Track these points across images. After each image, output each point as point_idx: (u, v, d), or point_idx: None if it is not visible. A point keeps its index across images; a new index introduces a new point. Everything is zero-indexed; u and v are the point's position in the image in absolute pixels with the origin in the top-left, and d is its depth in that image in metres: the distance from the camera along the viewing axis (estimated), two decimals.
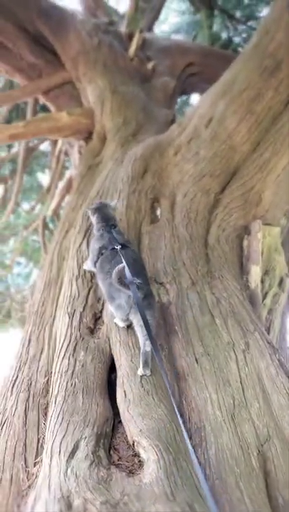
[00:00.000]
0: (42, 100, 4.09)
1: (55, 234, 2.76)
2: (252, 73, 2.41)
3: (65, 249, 2.36)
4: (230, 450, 1.24)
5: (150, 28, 5.10)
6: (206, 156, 2.44)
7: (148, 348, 1.46)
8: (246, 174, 2.37)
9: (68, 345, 1.63)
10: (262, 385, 1.45)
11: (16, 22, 3.63)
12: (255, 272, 2.07)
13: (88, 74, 3.65)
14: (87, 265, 1.94)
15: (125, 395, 1.38)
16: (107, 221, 1.93)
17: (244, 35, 5.75)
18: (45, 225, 5.54)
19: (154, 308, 1.59)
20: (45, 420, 1.39)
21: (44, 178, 6.46)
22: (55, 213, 5.18)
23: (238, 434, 1.29)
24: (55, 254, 2.37)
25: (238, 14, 5.77)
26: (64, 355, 1.59)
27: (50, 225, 5.71)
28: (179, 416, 1.18)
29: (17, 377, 1.62)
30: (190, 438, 1.25)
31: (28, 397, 1.51)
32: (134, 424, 1.24)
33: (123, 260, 1.57)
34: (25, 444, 1.33)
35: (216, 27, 5.66)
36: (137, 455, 1.20)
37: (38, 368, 1.65)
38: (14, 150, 5.61)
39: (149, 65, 4.03)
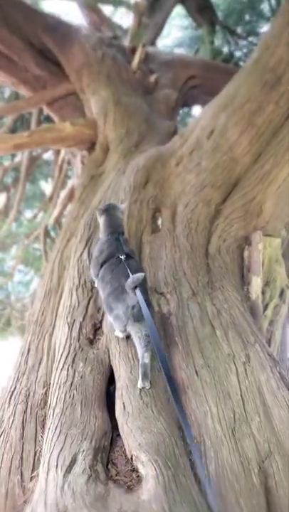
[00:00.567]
0: (46, 111, 4.15)
1: (56, 243, 2.76)
2: (253, 87, 2.45)
3: (66, 259, 2.36)
4: (231, 466, 1.21)
5: (153, 43, 5.20)
6: (208, 167, 2.46)
7: (147, 360, 1.44)
8: (247, 185, 2.38)
9: (67, 356, 1.61)
10: (263, 398, 1.42)
11: (21, 36, 3.71)
12: (256, 283, 2.06)
13: (92, 85, 3.71)
14: (91, 273, 1.87)
15: (124, 407, 1.36)
16: (116, 228, 1.87)
17: (245, 50, 5.86)
18: (46, 234, 5.56)
19: (152, 318, 1.58)
20: (43, 433, 1.37)
21: (47, 187, 6.51)
22: (57, 222, 5.21)
23: (238, 450, 1.26)
24: (56, 263, 2.36)
25: (239, 30, 5.89)
26: (63, 366, 1.58)
27: (52, 234, 5.72)
28: (186, 425, 1.15)
29: (15, 388, 1.60)
30: (190, 453, 1.23)
31: (26, 408, 1.49)
32: (133, 438, 1.22)
33: (129, 272, 1.57)
34: (21, 458, 1.31)
35: (217, 42, 5.76)
36: (135, 470, 1.17)
37: (36, 379, 1.63)
38: (17, 159, 5.68)
39: (152, 78, 4.10)
